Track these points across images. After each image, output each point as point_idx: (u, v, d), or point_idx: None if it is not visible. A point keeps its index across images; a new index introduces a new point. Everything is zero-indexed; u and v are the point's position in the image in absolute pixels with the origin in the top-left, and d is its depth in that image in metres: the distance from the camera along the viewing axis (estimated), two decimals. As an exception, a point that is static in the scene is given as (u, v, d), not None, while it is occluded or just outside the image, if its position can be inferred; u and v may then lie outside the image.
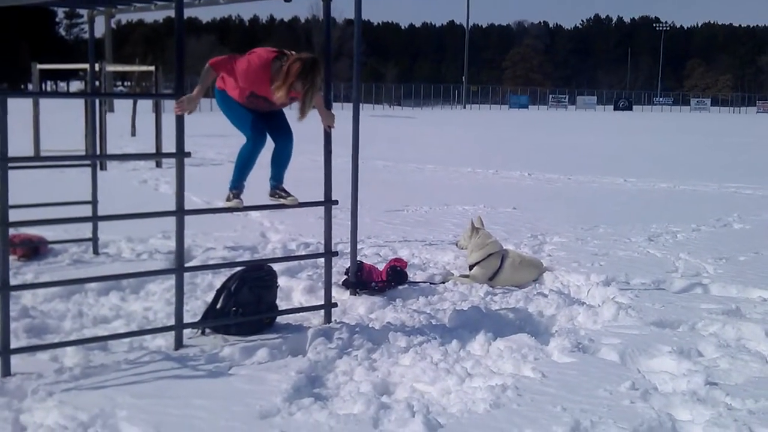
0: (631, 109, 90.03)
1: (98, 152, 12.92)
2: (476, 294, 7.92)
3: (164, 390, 4.99)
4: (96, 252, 9.03)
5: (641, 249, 10.34)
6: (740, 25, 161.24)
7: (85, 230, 9.17)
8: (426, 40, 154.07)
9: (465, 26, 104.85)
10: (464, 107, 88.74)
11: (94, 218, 8.49)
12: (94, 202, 8.94)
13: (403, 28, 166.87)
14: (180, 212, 5.86)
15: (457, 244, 8.88)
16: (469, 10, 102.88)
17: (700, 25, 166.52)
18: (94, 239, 9.05)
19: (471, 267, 8.53)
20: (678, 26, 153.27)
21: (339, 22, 79.90)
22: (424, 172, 20.38)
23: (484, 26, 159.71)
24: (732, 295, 8.04)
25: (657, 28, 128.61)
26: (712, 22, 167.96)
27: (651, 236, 11.26)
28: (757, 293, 8.03)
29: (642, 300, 7.61)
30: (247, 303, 6.28)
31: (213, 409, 4.68)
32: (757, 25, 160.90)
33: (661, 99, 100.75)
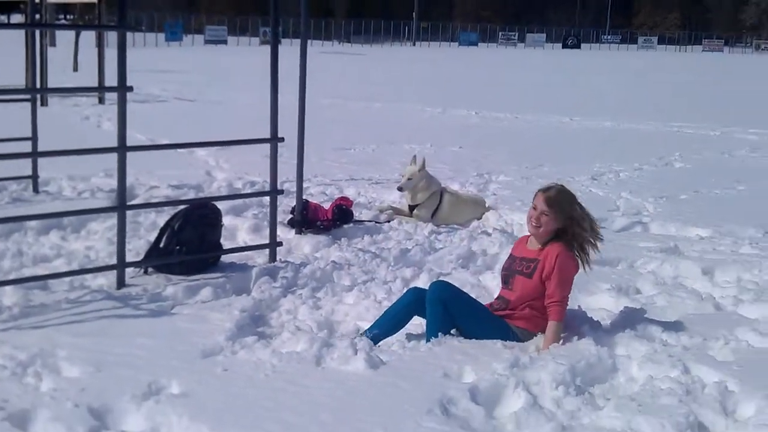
0: (579, 47, 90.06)
1: (39, 87, 12.58)
2: (421, 233, 7.97)
3: (105, 329, 4.97)
4: (36, 190, 8.87)
5: (584, 188, 10.46)
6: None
7: (24, 168, 8.98)
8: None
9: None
10: (414, 44, 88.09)
11: (34, 154, 8.32)
12: (34, 139, 8.73)
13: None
14: (122, 149, 5.77)
15: (399, 188, 8.68)
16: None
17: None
18: (34, 177, 8.88)
19: (411, 208, 8.54)
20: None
21: (287, -46, 78.34)
22: (371, 111, 20.29)
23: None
24: (671, 234, 8.20)
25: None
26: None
27: (594, 175, 11.41)
28: (695, 231, 8.21)
29: (583, 238, 7.71)
30: (191, 241, 6.24)
31: (155, 348, 4.68)
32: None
33: (609, 37, 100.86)
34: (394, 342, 5.02)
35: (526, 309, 5.05)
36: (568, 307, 5.07)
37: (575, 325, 5.21)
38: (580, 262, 5.11)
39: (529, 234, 5.25)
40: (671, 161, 13.14)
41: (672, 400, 4.18)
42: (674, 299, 5.99)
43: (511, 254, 5.33)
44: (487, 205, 8.88)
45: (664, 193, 10.10)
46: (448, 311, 4.97)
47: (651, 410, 4.07)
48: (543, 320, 5.03)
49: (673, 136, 16.65)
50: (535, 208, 5.06)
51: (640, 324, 5.30)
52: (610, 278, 6.45)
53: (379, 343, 4.94)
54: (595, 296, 6.07)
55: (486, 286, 6.30)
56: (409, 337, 5.17)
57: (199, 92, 23.15)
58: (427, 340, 4.94)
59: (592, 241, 5.17)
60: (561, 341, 4.92)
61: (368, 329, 5.08)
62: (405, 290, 5.77)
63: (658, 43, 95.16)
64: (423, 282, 6.14)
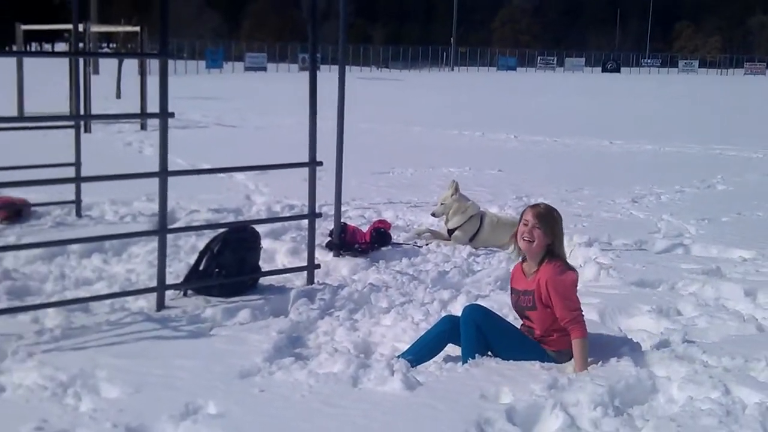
0: (619, 71, 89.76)
1: (82, 114, 12.81)
2: (459, 255, 7.97)
3: (145, 350, 5.01)
4: (79, 215, 9.00)
5: (625, 210, 10.39)
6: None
7: (68, 193, 9.13)
8: (414, 1, 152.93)
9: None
10: (452, 69, 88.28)
11: (77, 179, 8.47)
12: (77, 164, 8.88)
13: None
14: (163, 173, 5.84)
15: (433, 213, 8.81)
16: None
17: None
18: (77, 201, 9.02)
19: (450, 232, 8.57)
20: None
21: (327, -18, 79.21)
22: (410, 135, 20.34)
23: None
24: (713, 255, 8.11)
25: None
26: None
27: (635, 198, 11.32)
28: (737, 253, 8.10)
29: (623, 260, 7.67)
30: (230, 264, 6.29)
31: (193, 369, 4.71)
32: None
33: (649, 61, 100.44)
34: (430, 364, 5.00)
35: (554, 334, 5.01)
36: (606, 331, 5.03)
37: (614, 346, 5.16)
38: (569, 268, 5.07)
39: (521, 262, 5.20)
40: (713, 183, 12.99)
41: (712, 422, 4.12)
42: (715, 320, 5.90)
43: (512, 288, 5.24)
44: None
45: (706, 216, 9.99)
46: (482, 333, 4.95)
47: (691, 431, 4.01)
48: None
49: (715, 159, 16.48)
50: (526, 224, 5.02)
51: (680, 345, 5.25)
52: (650, 300, 6.39)
53: (416, 366, 4.93)
54: (635, 318, 6.01)
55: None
56: (446, 359, 5.15)
57: (240, 118, 23.39)
58: (464, 363, 4.92)
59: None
60: (590, 358, 4.87)
61: (402, 354, 5.06)
62: (441, 315, 5.77)
63: (699, 67, 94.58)
64: (461, 303, 6.13)
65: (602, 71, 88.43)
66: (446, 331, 5.09)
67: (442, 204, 8.64)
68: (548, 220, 5.02)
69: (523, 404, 4.29)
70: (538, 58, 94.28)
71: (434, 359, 5.09)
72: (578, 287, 6.54)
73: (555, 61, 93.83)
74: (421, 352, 5.07)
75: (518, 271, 5.22)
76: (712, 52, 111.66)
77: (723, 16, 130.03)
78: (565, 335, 4.96)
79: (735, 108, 33.96)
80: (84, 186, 9.01)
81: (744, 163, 15.87)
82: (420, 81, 58.74)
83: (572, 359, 4.93)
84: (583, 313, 4.99)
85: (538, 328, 5.02)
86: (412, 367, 4.86)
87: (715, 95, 44.42)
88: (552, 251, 5.01)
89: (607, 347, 5.17)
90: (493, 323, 5.04)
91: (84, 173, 8.64)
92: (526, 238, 5.01)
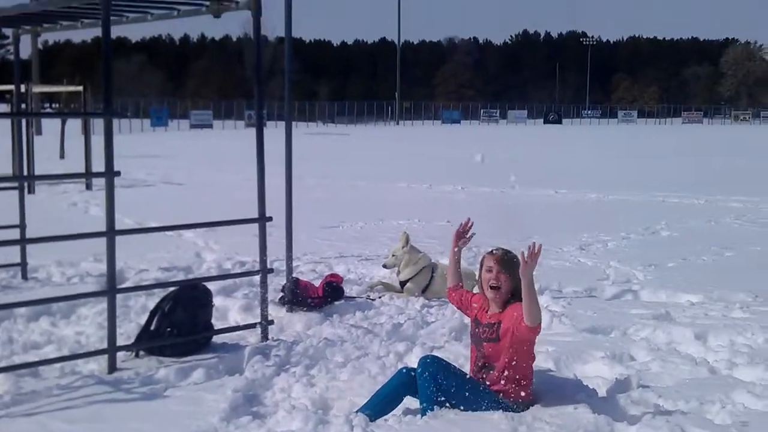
0: (560, 122, 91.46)
1: (26, 174, 12.64)
2: (412, 307, 7.98)
3: (98, 414, 4.91)
4: (25, 277, 8.83)
5: (573, 258, 10.52)
6: (664, 38, 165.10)
7: (13, 255, 8.97)
8: (358, 57, 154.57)
9: (396, 43, 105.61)
10: (398, 123, 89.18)
11: (22, 241, 8.32)
12: (22, 226, 8.75)
13: (335, 45, 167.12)
14: (111, 232, 5.77)
15: (384, 265, 8.86)
16: (400, 27, 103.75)
17: (625, 38, 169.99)
18: (23, 264, 8.86)
19: (402, 284, 8.59)
20: (605, 40, 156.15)
21: (271, 39, 79.50)
22: (358, 189, 20.40)
23: (415, 42, 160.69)
24: (661, 300, 8.24)
25: (584, 43, 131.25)
26: (636, 35, 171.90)
27: (582, 245, 11.47)
28: (685, 297, 8.24)
29: (575, 307, 7.75)
30: (182, 323, 6.21)
31: (148, 432, 4.62)
32: (681, 38, 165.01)
33: (589, 112, 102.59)
34: (389, 417, 4.97)
35: (512, 385, 4.98)
36: (561, 378, 5.02)
37: (571, 393, 5.19)
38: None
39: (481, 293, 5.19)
40: (658, 230, 13.22)
41: (672, 466, 4.14)
42: (668, 365, 5.98)
43: (475, 317, 5.22)
44: (477, 277, 8.87)
45: (653, 261, 10.15)
46: (439, 385, 4.93)
47: (652, 477, 4.03)
48: (529, 387, 5.01)
49: (659, 206, 16.79)
50: (490, 270, 5.02)
51: (635, 390, 5.31)
52: (603, 346, 6.45)
53: (375, 421, 4.89)
54: (589, 364, 6.05)
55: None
56: (405, 411, 5.11)
57: (187, 176, 23.26)
58: (422, 415, 4.89)
59: None
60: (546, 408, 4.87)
61: (360, 409, 5.01)
62: (397, 367, 5.74)
63: (638, 117, 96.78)
64: (416, 355, 6.10)
65: (544, 122, 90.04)
66: (403, 384, 5.05)
67: (393, 256, 8.68)
68: (510, 264, 5.03)
69: (484, 456, 4.28)
70: (482, 110, 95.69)
71: (392, 412, 5.06)
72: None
73: (498, 114, 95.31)
74: (378, 406, 5.02)
75: (480, 300, 5.22)
76: (649, 102, 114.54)
77: (659, 68, 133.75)
78: (522, 386, 4.97)
79: (675, 156, 34.74)
80: (29, 248, 8.86)
81: (687, 209, 16.20)
82: (366, 135, 59.14)
83: (530, 408, 4.93)
84: (535, 361, 5.00)
85: (495, 362, 4.99)
86: (371, 421, 4.82)
87: (654, 144, 45.42)
88: (516, 294, 5.01)
89: (563, 394, 5.19)
90: (449, 374, 5.02)
91: (29, 235, 8.50)
92: (493, 285, 5.01)
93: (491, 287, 5.02)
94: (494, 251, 5.16)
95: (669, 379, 5.67)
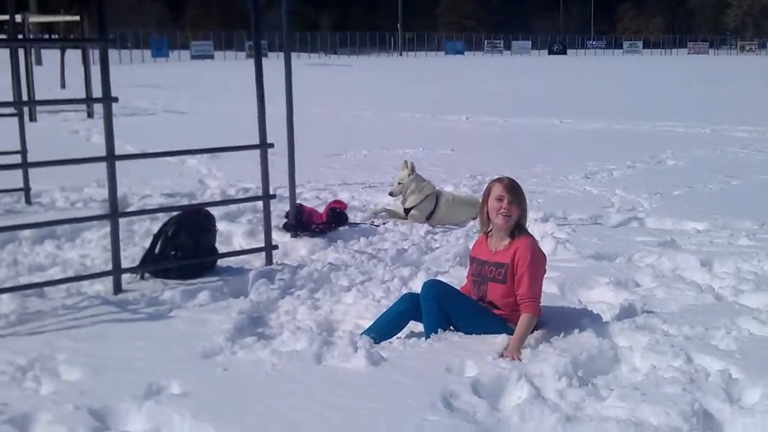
0: (565, 53, 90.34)
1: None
2: (417, 233, 7.96)
3: (104, 333, 4.93)
4: (28, 202, 8.83)
5: (578, 186, 10.48)
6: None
7: (16, 180, 8.94)
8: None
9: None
10: (401, 54, 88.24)
11: (24, 165, 8.27)
12: (23, 151, 8.71)
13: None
14: (111, 158, 5.74)
15: (391, 193, 8.83)
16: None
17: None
18: (26, 189, 8.84)
19: (407, 211, 8.57)
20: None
21: (271, -32, 78.47)
22: (362, 119, 20.28)
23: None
24: (667, 228, 8.19)
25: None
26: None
27: (587, 174, 11.41)
28: (691, 225, 8.20)
29: (580, 234, 7.72)
30: (186, 247, 6.22)
31: (154, 351, 4.63)
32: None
33: (594, 43, 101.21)
34: (393, 340, 4.98)
35: (510, 308, 4.96)
36: (566, 303, 5.02)
37: (576, 318, 5.18)
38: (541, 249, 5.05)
39: (484, 234, 5.15)
40: (664, 159, 13.15)
41: (676, 389, 4.15)
42: (674, 291, 5.96)
43: (476, 258, 5.14)
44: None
45: (658, 190, 10.10)
46: (443, 308, 4.92)
47: (655, 399, 4.03)
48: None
49: (664, 135, 16.67)
50: (500, 199, 4.92)
51: (640, 315, 5.30)
52: (608, 272, 6.43)
53: (379, 343, 4.90)
54: (594, 290, 6.04)
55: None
56: (409, 335, 5.13)
57: (189, 105, 23.12)
58: (426, 338, 4.90)
59: None
60: (550, 333, 4.88)
61: (365, 332, 5.02)
62: (402, 292, 5.75)
63: (644, 47, 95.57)
64: (420, 280, 6.10)
65: (549, 53, 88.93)
66: (408, 310, 5.05)
67: (399, 183, 8.64)
68: (519, 192, 4.97)
69: (488, 377, 4.29)
70: (485, 41, 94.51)
71: (397, 335, 5.07)
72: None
73: (502, 45, 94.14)
74: (383, 329, 5.03)
75: (482, 243, 5.17)
76: (655, 33, 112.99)
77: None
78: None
79: (681, 86, 34.40)
80: (32, 174, 8.83)
81: (692, 138, 16.09)
82: (369, 66, 58.58)
83: (534, 332, 4.91)
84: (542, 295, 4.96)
85: (499, 302, 4.99)
86: (375, 343, 4.82)
87: (660, 75, 44.99)
88: (520, 225, 4.98)
89: (568, 319, 5.18)
90: (453, 298, 5.00)
91: (31, 161, 8.44)
92: (504, 213, 4.92)
93: (502, 215, 4.95)
94: (501, 179, 5.07)
95: (674, 305, 5.65)
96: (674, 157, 13.28)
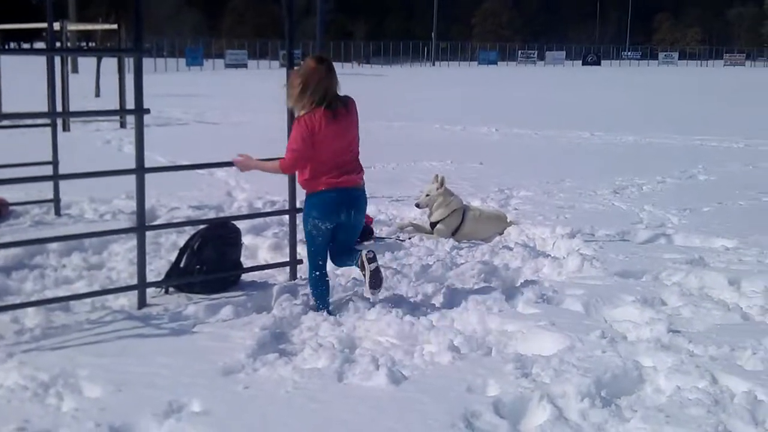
0: (599, 63, 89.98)
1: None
2: (442, 249, 7.93)
3: (126, 349, 4.96)
4: (58, 213, 8.91)
5: (606, 201, 10.40)
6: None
7: (46, 191, 9.04)
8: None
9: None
10: (434, 64, 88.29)
11: (55, 177, 8.37)
12: (54, 162, 8.79)
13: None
14: (140, 170, 5.77)
15: (417, 205, 8.81)
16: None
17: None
18: (56, 200, 8.93)
19: (433, 225, 8.55)
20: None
21: (306, -22, 78.86)
22: (392, 129, 20.27)
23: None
24: (695, 245, 8.11)
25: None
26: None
27: (616, 189, 11.33)
28: (720, 242, 8.11)
29: (606, 251, 7.66)
30: (211, 261, 6.24)
31: (176, 367, 4.66)
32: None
33: (629, 53, 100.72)
34: (415, 358, 4.96)
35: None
36: (590, 322, 5.01)
37: (600, 337, 5.16)
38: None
39: None
40: (694, 174, 13.02)
41: (700, 411, 4.11)
42: (700, 310, 5.89)
43: None
44: (508, 220, 8.83)
45: (688, 206, 10.01)
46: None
47: (679, 421, 4.00)
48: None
49: (696, 149, 16.52)
50: None
51: (665, 335, 5.24)
52: (634, 290, 6.37)
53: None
54: (619, 308, 5.98)
55: (508, 301, 6.21)
56: (431, 354, 5.09)
57: (221, 115, 23.26)
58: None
59: None
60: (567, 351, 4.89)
61: (319, 308, 5.78)
62: (425, 309, 5.79)
63: (679, 59, 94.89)
64: (444, 297, 6.14)
65: (583, 64, 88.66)
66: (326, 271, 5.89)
67: (427, 195, 8.62)
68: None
69: (510, 396, 4.28)
70: (519, 52, 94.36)
71: (418, 350, 5.06)
72: (562, 278, 6.56)
73: (536, 55, 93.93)
74: (325, 298, 5.87)
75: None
76: (691, 43, 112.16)
77: (702, 8, 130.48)
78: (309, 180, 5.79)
79: (715, 99, 34.09)
80: (63, 185, 8.91)
81: (725, 152, 15.93)
82: (401, 76, 58.66)
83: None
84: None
85: None
86: (330, 315, 5.65)
87: (695, 86, 44.59)
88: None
89: (592, 338, 5.16)
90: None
91: (63, 172, 8.53)
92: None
93: None
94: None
95: (700, 325, 5.59)
96: (705, 172, 13.15)
